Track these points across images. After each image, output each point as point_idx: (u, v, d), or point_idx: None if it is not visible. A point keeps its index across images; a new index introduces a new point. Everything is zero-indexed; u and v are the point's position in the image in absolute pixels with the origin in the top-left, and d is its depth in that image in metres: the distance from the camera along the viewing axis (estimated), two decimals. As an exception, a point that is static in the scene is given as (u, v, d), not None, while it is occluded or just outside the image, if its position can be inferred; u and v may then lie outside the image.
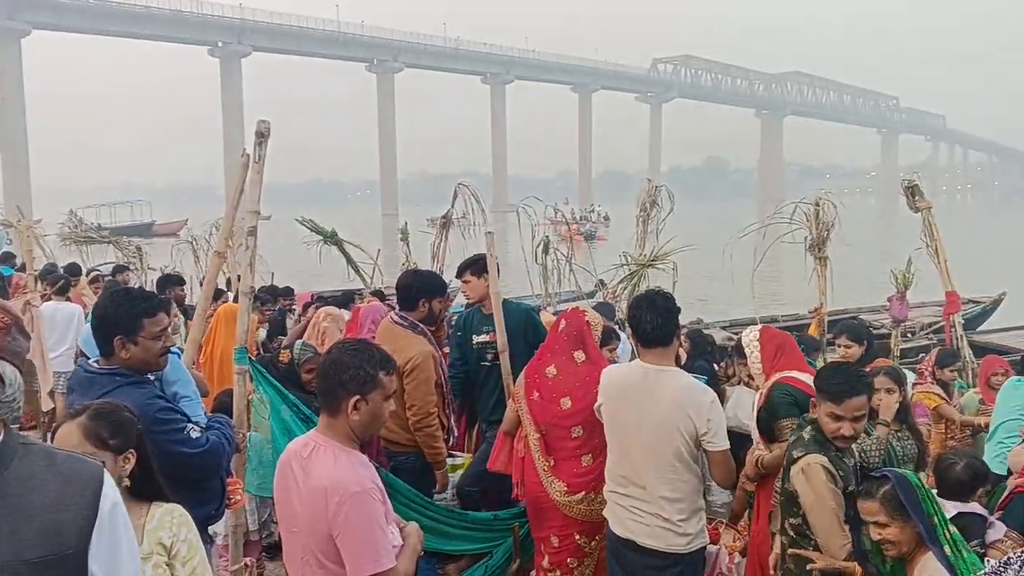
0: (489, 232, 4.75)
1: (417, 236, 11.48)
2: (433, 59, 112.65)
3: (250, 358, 3.96)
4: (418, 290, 4.49)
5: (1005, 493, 3.52)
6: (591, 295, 10.37)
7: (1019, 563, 1.61)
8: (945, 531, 2.65)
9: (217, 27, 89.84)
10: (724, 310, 16.63)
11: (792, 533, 3.02)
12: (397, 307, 4.79)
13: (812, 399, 3.12)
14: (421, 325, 4.43)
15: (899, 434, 4.01)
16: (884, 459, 3.68)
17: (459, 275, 5.06)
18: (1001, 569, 1.58)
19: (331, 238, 10.89)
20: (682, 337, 4.60)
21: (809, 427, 3.08)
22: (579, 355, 3.98)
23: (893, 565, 2.75)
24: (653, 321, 3.31)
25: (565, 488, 3.85)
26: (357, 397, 2.42)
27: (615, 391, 3.46)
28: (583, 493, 3.83)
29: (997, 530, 3.19)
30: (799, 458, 2.98)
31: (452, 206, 9.82)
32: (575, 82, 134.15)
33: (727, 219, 15.50)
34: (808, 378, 3.47)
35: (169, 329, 3.07)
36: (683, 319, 11.94)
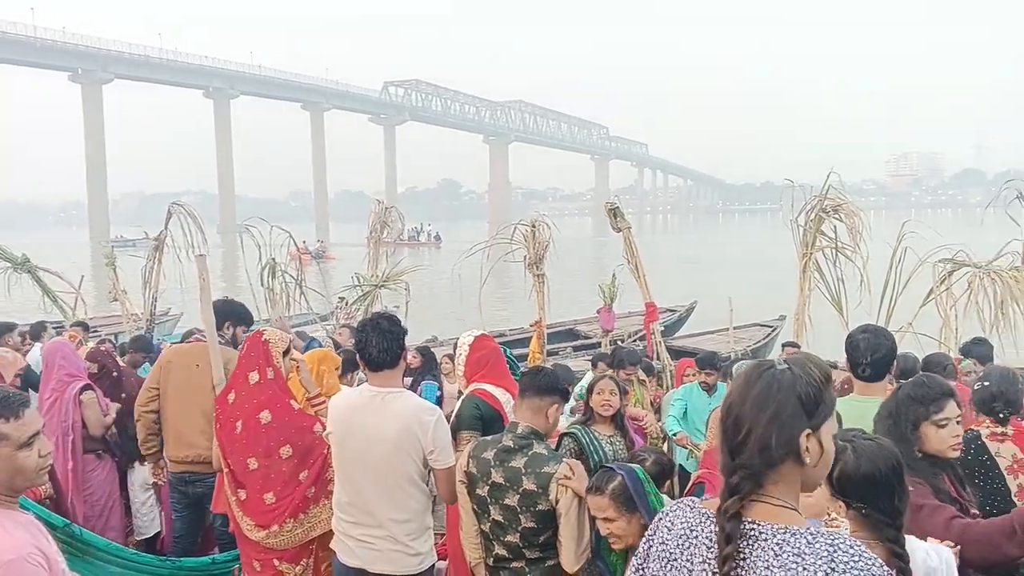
0: (200, 255, 4.47)
1: (130, 261, 10.55)
2: (149, 70, 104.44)
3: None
4: (225, 314, 4.87)
5: (689, 483, 3.93)
6: (324, 318, 10.15)
7: None
8: None
9: None
10: (458, 327, 17.06)
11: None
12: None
13: None
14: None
15: (612, 438, 4.34)
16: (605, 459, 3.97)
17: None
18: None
19: (21, 265, 9.64)
20: (410, 355, 4.65)
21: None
22: (253, 376, 3.86)
23: (616, 557, 2.92)
24: (379, 345, 3.31)
25: (253, 524, 3.73)
26: None
27: (342, 418, 3.39)
28: (276, 526, 3.71)
29: None
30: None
31: (166, 227, 9.15)
32: (306, 100, 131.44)
33: (463, 239, 15.95)
34: (503, 393, 3.66)
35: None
36: (419, 337, 12.03)
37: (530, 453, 3.13)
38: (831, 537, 1.49)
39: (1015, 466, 3.09)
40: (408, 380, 6.52)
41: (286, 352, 4.00)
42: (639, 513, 2.78)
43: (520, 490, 3.08)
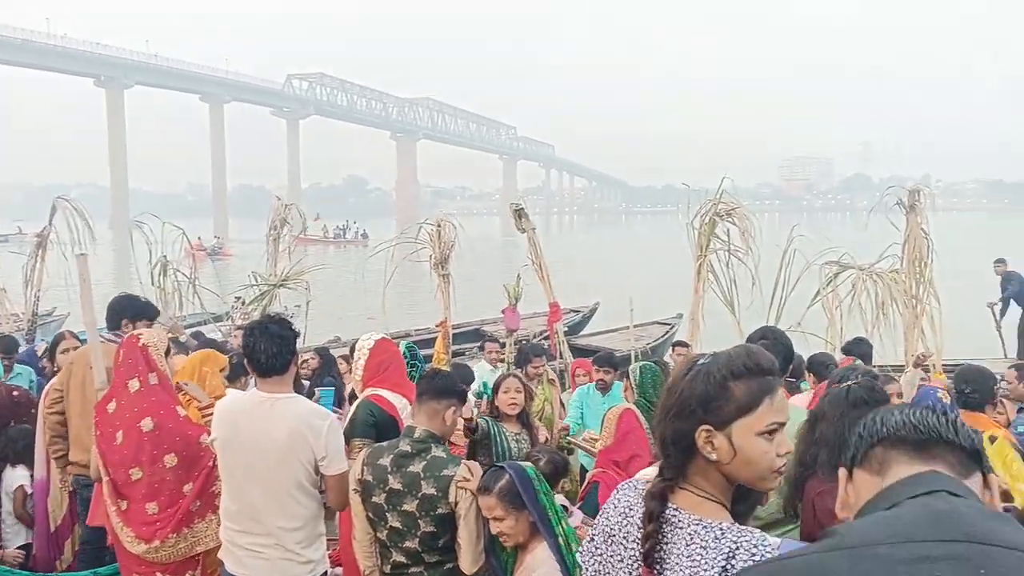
0: (81, 254, 4.24)
1: (9, 259, 9.96)
2: (36, 56, 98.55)
3: None
4: (120, 312, 4.69)
5: (584, 484, 3.99)
6: (218, 318, 9.81)
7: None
8: (560, 523, 2.81)
9: None
10: (361, 327, 16.83)
11: None
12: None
13: None
14: None
15: (518, 436, 4.46)
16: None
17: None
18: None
19: None
20: (301, 358, 4.54)
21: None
22: (134, 383, 3.69)
23: (508, 555, 2.93)
24: (268, 350, 3.18)
25: (134, 536, 3.57)
26: None
27: (229, 424, 3.27)
28: (158, 541, 3.57)
29: (575, 518, 3.60)
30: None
31: (50, 223, 8.69)
32: (205, 92, 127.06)
33: (372, 238, 15.76)
34: (399, 399, 3.62)
35: None
36: (320, 338, 11.80)
37: (428, 457, 3.11)
38: (740, 535, 1.53)
39: None
40: (307, 384, 6.39)
41: (168, 352, 3.83)
42: (527, 511, 2.79)
43: (419, 495, 3.05)
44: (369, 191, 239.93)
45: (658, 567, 1.58)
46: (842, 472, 1.18)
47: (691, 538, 1.54)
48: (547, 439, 6.05)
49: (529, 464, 3.03)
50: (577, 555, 2.00)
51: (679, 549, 1.54)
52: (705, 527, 1.54)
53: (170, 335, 5.33)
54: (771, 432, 1.57)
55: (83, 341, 5.05)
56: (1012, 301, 12.73)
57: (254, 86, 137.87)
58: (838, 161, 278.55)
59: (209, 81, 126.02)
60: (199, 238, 30.52)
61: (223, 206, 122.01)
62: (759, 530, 1.56)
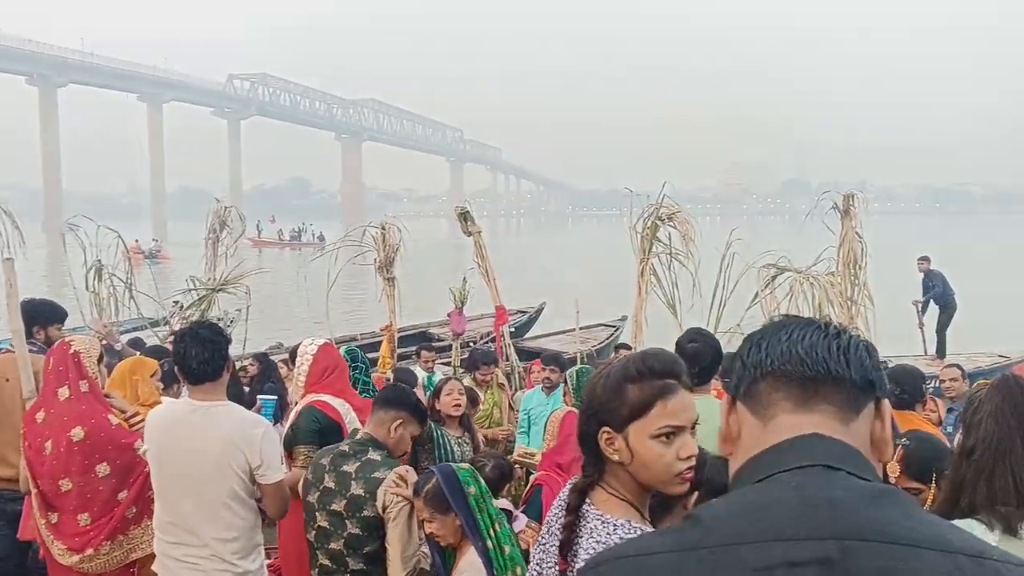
0: (7, 259, 4.08)
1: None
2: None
3: None
4: (31, 318, 4.44)
5: (528, 486, 4.00)
6: (155, 324, 9.56)
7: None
8: (491, 527, 2.81)
9: None
10: (304, 332, 16.61)
11: None
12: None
13: None
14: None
15: (460, 439, 4.61)
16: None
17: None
18: None
19: None
20: (240, 364, 4.45)
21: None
22: (63, 391, 3.57)
23: (447, 553, 2.93)
24: (199, 356, 3.11)
25: (65, 548, 3.46)
26: None
27: (160, 433, 3.18)
28: (91, 550, 3.47)
29: (520, 522, 3.61)
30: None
31: (-27, 225, 8.34)
32: (143, 91, 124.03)
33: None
34: (342, 404, 3.59)
35: None
36: (263, 343, 11.58)
37: (363, 459, 3.16)
38: (628, 533, 1.58)
39: None
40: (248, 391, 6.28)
41: (100, 359, 3.72)
42: (453, 513, 2.80)
43: (347, 495, 3.09)
44: (313, 193, 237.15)
45: (572, 558, 1.64)
46: (725, 400, 1.07)
47: (591, 532, 1.60)
48: (494, 440, 6.07)
49: (465, 467, 3.03)
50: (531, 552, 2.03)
51: (586, 542, 1.61)
52: (604, 523, 1.59)
53: (104, 343, 5.17)
54: (666, 435, 1.59)
55: (10, 350, 4.87)
56: (932, 300, 13.21)
57: (194, 86, 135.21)
58: (778, 166, 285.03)
59: (147, 80, 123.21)
60: (136, 241, 29.74)
61: (162, 208, 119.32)
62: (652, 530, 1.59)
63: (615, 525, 1.59)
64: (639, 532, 1.57)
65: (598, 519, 1.61)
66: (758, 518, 0.90)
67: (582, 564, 1.52)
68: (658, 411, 1.59)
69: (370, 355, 7.17)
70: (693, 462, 1.60)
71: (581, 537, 1.62)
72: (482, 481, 2.94)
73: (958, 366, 6.34)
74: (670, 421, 1.59)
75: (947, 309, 13.17)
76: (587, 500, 1.65)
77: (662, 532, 1.02)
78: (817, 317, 1.10)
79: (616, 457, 1.62)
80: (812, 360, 1.00)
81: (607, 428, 1.62)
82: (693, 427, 1.63)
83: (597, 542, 1.58)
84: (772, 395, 1.01)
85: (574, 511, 1.65)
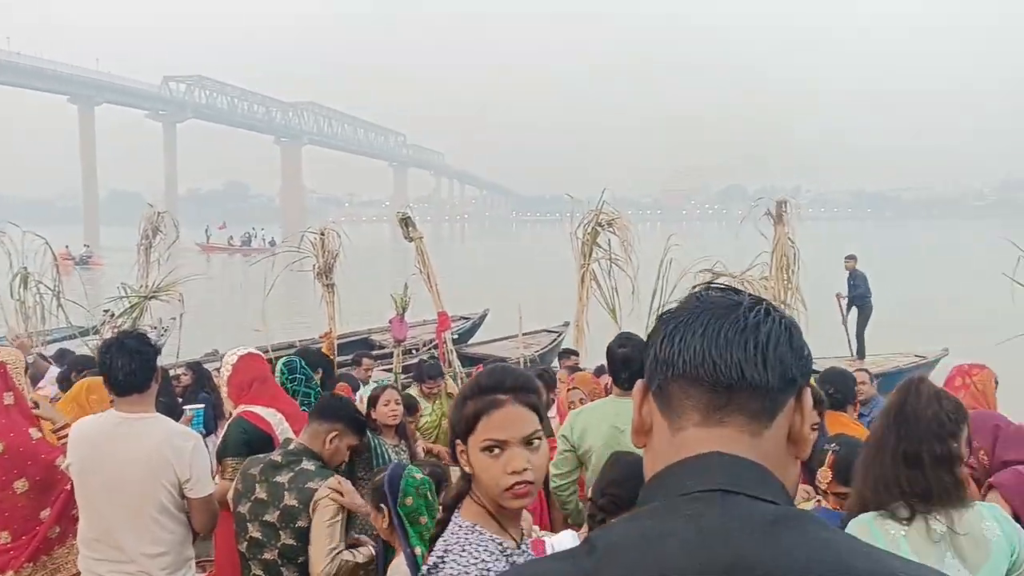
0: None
1: None
2: None
3: None
4: None
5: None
6: (84, 332, 9.27)
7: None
8: (422, 532, 2.81)
9: None
10: (242, 339, 16.30)
11: None
12: None
13: None
14: None
15: (397, 447, 4.62)
16: None
17: None
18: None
19: None
20: (172, 373, 4.33)
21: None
22: None
23: (389, 548, 2.93)
24: (126, 367, 3.01)
25: None
26: None
27: (86, 447, 3.07)
28: (11, 572, 3.34)
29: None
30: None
31: None
32: (74, 92, 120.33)
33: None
34: (273, 414, 3.53)
35: None
36: (196, 351, 11.35)
37: (296, 469, 3.12)
38: (466, 540, 1.67)
39: None
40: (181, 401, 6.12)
41: (26, 370, 3.58)
42: (388, 512, 2.77)
43: (281, 506, 3.06)
44: (252, 197, 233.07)
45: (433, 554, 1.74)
46: (638, 388, 1.00)
47: (451, 531, 1.69)
48: (439, 456, 6.03)
49: (419, 478, 2.99)
50: None
51: (443, 538, 1.70)
52: (459, 528, 1.68)
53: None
54: (490, 448, 1.65)
55: None
56: (852, 302, 13.62)
57: (128, 88, 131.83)
58: (715, 173, 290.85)
59: (78, 82, 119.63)
60: (66, 247, 28.79)
61: (94, 213, 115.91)
62: (496, 542, 1.65)
63: (467, 528, 1.68)
64: (484, 536, 1.66)
65: (456, 526, 1.70)
66: (652, 550, 0.86)
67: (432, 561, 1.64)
68: (483, 425, 1.66)
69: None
70: (524, 476, 1.64)
71: (445, 535, 1.71)
72: (430, 497, 2.89)
73: (867, 371, 6.56)
74: (491, 435, 1.65)
75: (864, 311, 13.60)
76: (458, 507, 1.73)
77: (558, 557, 0.96)
78: (742, 292, 1.02)
79: (468, 469, 1.70)
80: (726, 364, 0.92)
81: (458, 441, 1.71)
82: (530, 442, 1.67)
83: (446, 540, 1.67)
84: (683, 402, 0.95)
85: (449, 509, 1.74)
